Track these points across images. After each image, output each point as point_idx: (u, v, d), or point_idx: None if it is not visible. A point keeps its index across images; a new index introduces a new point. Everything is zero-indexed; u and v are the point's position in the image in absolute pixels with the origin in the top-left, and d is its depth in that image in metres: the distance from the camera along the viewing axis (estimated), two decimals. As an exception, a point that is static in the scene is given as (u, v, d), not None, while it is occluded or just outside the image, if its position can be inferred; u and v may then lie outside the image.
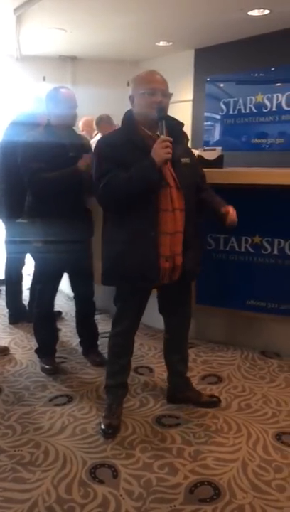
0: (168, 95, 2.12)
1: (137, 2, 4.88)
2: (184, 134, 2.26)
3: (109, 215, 2.22)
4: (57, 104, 2.64)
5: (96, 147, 2.21)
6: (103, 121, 4.77)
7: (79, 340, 3.11)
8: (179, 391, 2.55)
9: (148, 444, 2.18)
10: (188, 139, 2.31)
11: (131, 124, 2.14)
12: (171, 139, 2.01)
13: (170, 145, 1.99)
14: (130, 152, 2.06)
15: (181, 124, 2.25)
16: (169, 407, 2.50)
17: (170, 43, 6.59)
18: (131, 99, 2.14)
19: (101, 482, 1.94)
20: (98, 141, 2.22)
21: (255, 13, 5.14)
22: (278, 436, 2.24)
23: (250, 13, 5.13)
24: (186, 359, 2.58)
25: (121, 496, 1.86)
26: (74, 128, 2.91)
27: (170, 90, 2.15)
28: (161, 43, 6.60)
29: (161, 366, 2.78)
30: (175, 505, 1.81)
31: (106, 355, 3.05)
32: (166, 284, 2.21)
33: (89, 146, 2.86)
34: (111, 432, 2.25)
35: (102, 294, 3.86)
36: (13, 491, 1.89)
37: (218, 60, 6.47)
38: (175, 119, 2.20)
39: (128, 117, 2.17)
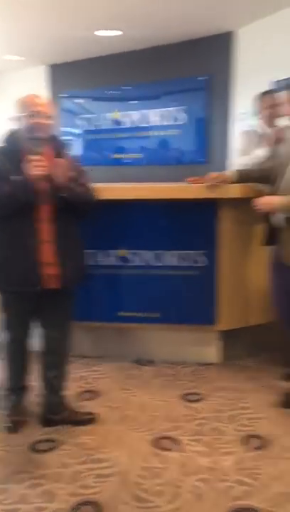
0: (50, 117, 2.29)
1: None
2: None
3: None
4: None
5: None
6: None
7: None
8: (54, 412, 2.46)
9: (25, 474, 2.06)
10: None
11: (14, 138, 2.28)
12: (39, 158, 2.16)
13: (41, 163, 2.15)
14: (9, 162, 2.20)
15: (63, 144, 2.43)
16: (45, 431, 2.40)
17: (22, 58, 6.48)
18: (18, 119, 2.28)
19: (-28, 526, 1.76)
20: None
21: (102, 33, 5.29)
22: (156, 442, 2.27)
23: (97, 33, 5.26)
24: (65, 376, 2.52)
25: (-4, 536, 1.71)
26: None
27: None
28: (10, 57, 6.45)
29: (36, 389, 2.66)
30: (56, 534, 1.72)
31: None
32: (47, 293, 2.27)
33: None
34: (15, 427, 2.39)
35: None
36: None
37: (73, 77, 6.54)
38: (60, 139, 2.41)
39: (12, 132, 2.31)
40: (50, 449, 2.23)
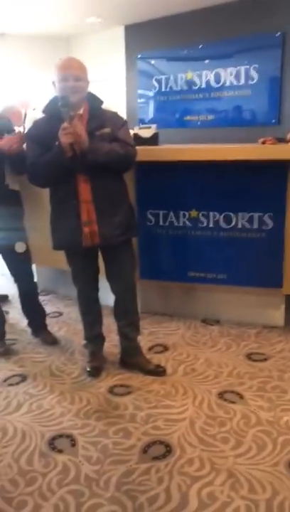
0: (83, 79, 2.31)
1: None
2: (104, 111, 2.43)
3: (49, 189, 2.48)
4: None
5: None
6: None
7: (27, 321, 3.17)
8: (130, 355, 2.73)
9: (103, 413, 2.32)
10: (113, 113, 2.47)
11: (53, 105, 2.32)
12: (66, 125, 2.19)
13: (72, 130, 2.20)
14: (51, 131, 2.25)
15: (100, 102, 2.43)
16: (120, 377, 2.65)
17: (100, 19, 6.52)
18: (54, 84, 2.33)
19: (60, 451, 2.06)
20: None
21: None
22: (221, 395, 2.45)
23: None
24: (135, 324, 2.72)
25: (80, 461, 1.99)
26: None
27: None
28: (91, 19, 6.52)
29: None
30: (131, 465, 1.97)
31: (57, 334, 3.19)
32: (103, 249, 2.53)
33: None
34: (94, 372, 2.67)
35: (47, 275, 3.93)
36: (-24, 469, 1.97)
37: (148, 37, 6.50)
38: (96, 98, 2.42)
39: (51, 100, 2.37)
40: (127, 394, 2.48)
